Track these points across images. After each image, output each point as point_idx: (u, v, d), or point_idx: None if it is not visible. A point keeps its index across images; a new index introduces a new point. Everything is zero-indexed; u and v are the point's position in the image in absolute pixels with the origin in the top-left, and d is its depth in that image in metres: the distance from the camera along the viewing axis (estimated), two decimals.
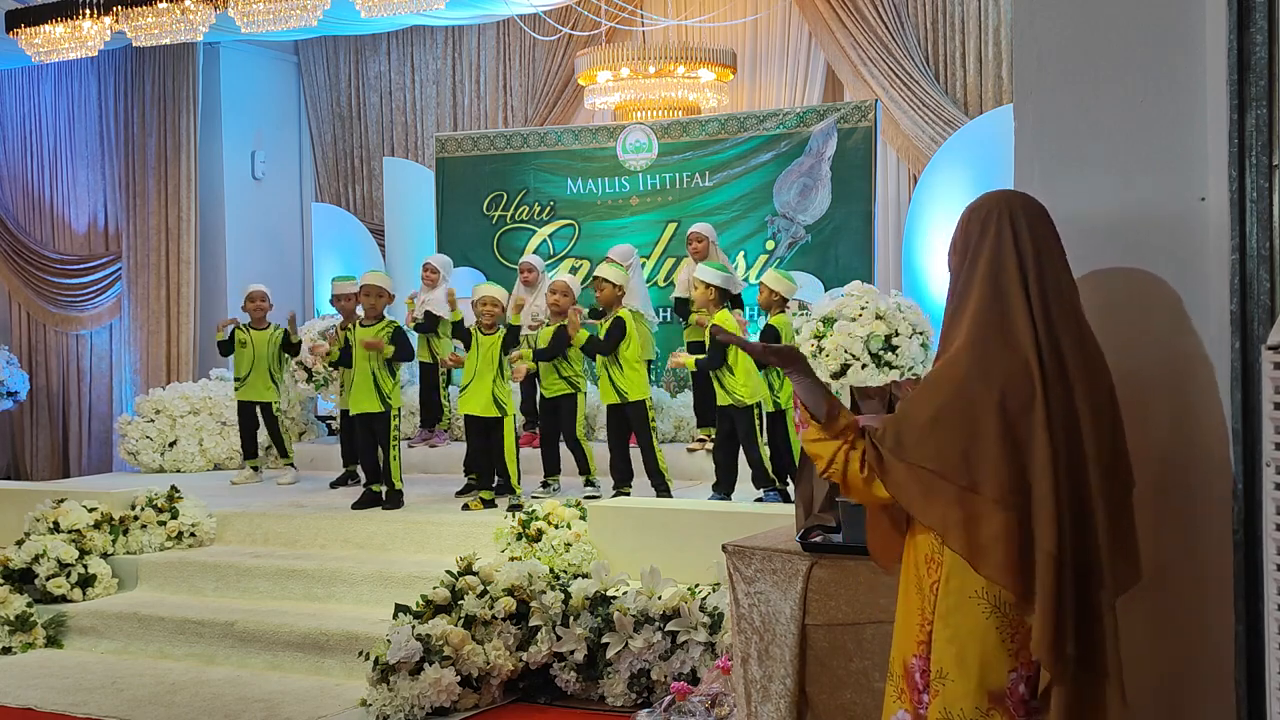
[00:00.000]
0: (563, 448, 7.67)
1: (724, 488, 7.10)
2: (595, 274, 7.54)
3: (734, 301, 8.30)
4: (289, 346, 8.95)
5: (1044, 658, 2.46)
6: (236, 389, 8.91)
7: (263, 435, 9.18)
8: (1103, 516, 2.54)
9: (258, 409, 8.92)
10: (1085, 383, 2.55)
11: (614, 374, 7.25)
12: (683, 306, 8.36)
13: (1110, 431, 2.59)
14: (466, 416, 7.47)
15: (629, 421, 7.30)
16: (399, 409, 7.63)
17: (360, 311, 7.80)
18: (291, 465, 9.00)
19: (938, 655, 2.53)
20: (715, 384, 7.06)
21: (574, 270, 9.64)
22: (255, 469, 9.03)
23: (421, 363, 9.02)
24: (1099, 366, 2.61)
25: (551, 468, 7.68)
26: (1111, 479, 2.57)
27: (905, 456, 2.54)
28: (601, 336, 7.30)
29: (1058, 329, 2.54)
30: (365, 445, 7.66)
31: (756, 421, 7.01)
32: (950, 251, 2.70)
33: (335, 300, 8.47)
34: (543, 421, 7.76)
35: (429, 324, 8.92)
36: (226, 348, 8.86)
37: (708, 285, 7.19)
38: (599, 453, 7.64)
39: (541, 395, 7.64)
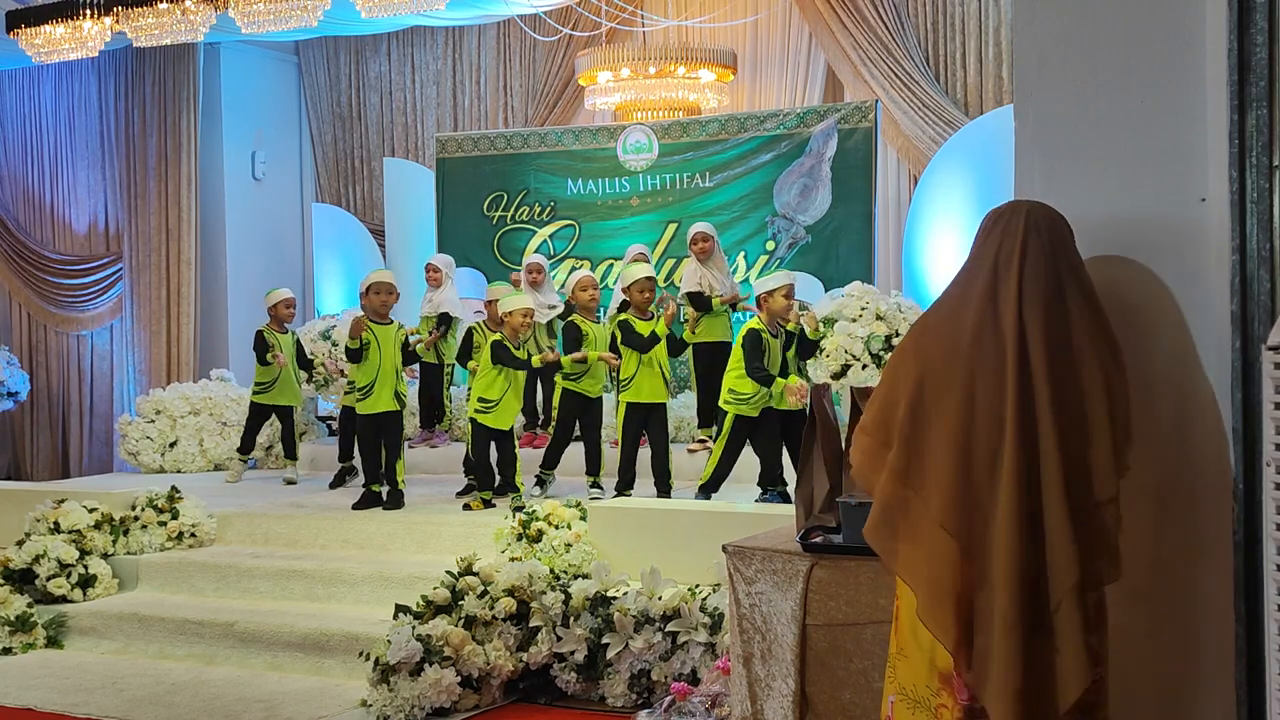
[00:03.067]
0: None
1: (773, 482, 7.04)
2: (649, 275, 7.34)
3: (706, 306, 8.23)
4: (304, 362, 8.95)
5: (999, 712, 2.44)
6: (258, 393, 8.83)
7: (262, 436, 9.18)
8: (1061, 524, 2.48)
9: (275, 412, 8.92)
10: (1056, 386, 2.52)
11: (665, 371, 7.21)
12: (702, 303, 8.23)
13: (1080, 440, 2.54)
14: (477, 425, 7.38)
15: (648, 423, 7.28)
16: (407, 410, 7.66)
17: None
18: (293, 465, 9.01)
19: (899, 630, 2.57)
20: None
21: (574, 270, 9.64)
22: (245, 462, 9.06)
23: (425, 363, 9.01)
24: (1081, 372, 2.58)
25: (552, 462, 7.63)
26: (1078, 491, 2.51)
27: (863, 427, 2.67)
28: (666, 337, 7.22)
29: (1031, 328, 2.54)
30: (372, 445, 7.63)
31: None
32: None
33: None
34: (567, 416, 7.57)
35: (443, 325, 8.91)
36: (264, 359, 8.80)
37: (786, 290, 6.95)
38: (606, 454, 7.65)
39: (567, 391, 7.51)
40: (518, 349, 7.31)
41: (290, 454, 9.00)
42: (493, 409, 7.30)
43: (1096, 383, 2.59)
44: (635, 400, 7.24)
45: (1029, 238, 2.64)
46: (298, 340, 8.98)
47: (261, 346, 8.73)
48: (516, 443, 7.48)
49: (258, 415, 8.95)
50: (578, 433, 7.64)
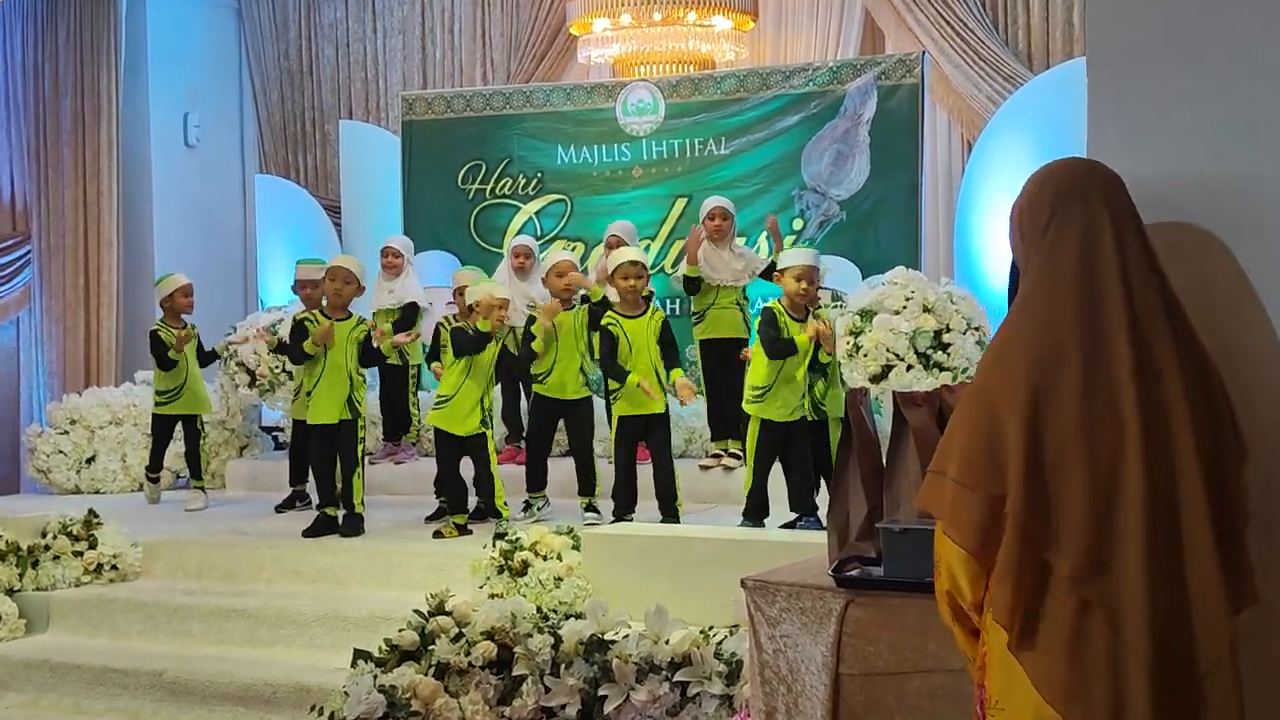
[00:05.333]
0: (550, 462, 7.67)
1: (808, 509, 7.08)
2: (634, 259, 7.41)
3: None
4: (202, 354, 8.98)
5: None
6: (161, 403, 8.94)
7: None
8: (1207, 547, 2.53)
9: (180, 423, 8.96)
10: (1184, 382, 2.56)
11: (663, 375, 7.27)
12: (692, 284, 8.27)
13: (1217, 457, 2.59)
14: (439, 433, 7.45)
15: (645, 436, 7.29)
16: (365, 420, 7.66)
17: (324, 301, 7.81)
18: (203, 490, 9.00)
19: (992, 680, 2.58)
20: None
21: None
22: (155, 481, 9.14)
23: (388, 365, 9.00)
24: (1203, 364, 2.62)
25: (537, 482, 7.64)
26: (1220, 518, 2.57)
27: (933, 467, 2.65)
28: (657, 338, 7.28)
29: (1148, 325, 2.56)
30: (323, 461, 7.65)
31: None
32: (1014, 234, 2.71)
33: (300, 287, 8.45)
34: (537, 425, 7.69)
35: (409, 318, 8.91)
36: (168, 359, 8.84)
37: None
38: (601, 469, 7.66)
39: (536, 395, 7.59)
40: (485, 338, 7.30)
41: (196, 474, 9.01)
42: (445, 404, 7.33)
43: (1220, 385, 2.62)
44: (628, 413, 7.27)
45: (1121, 219, 2.63)
46: (197, 336, 8.98)
47: (159, 346, 8.77)
48: (494, 456, 7.47)
49: (162, 429, 9.00)
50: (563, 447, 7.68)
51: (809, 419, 7.10)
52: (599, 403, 7.87)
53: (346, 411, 7.54)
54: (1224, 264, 2.91)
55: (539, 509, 7.54)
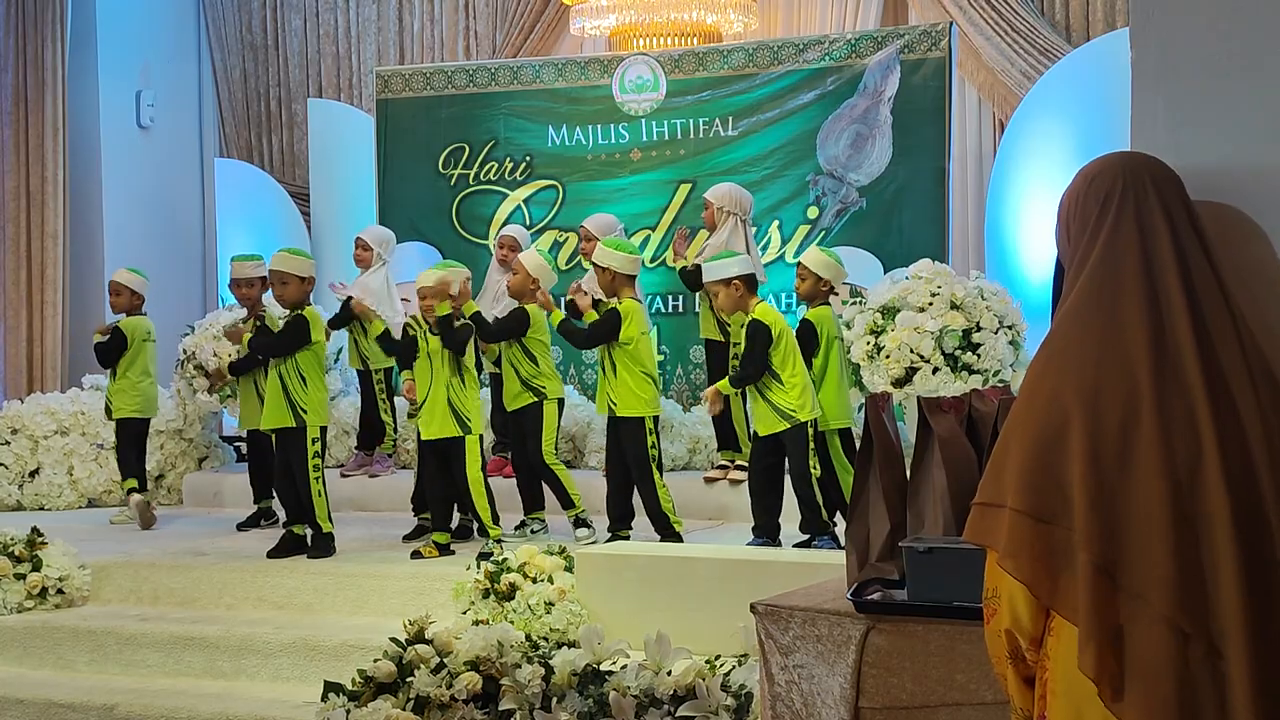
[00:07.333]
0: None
1: (767, 531, 7.09)
2: (595, 261, 7.55)
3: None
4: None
5: None
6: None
7: (151, 462, 9.22)
8: None
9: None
10: (1256, 396, 2.57)
11: (608, 378, 7.31)
12: (692, 278, 8.31)
13: None
14: (421, 441, 7.51)
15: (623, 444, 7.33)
16: (321, 426, 7.65)
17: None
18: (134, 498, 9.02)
19: (1057, 711, 2.57)
20: (757, 400, 7.02)
21: (557, 245, 9.65)
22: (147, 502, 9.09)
23: (358, 370, 9.03)
24: (1269, 373, 2.63)
25: (533, 503, 7.70)
26: None
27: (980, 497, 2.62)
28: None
29: (1212, 331, 2.57)
30: (282, 473, 7.68)
31: (811, 444, 6.99)
32: (1060, 232, 2.71)
33: (234, 286, 8.47)
34: (513, 442, 7.85)
35: (345, 316, 8.89)
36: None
37: (729, 281, 7.10)
38: (594, 483, 7.67)
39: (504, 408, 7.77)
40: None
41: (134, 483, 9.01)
42: (418, 412, 7.46)
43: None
44: (600, 411, 7.57)
45: (1176, 215, 2.63)
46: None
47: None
48: (482, 465, 7.50)
49: (117, 431, 9.08)
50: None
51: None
52: (587, 408, 7.92)
53: (290, 418, 7.54)
54: (1262, 253, 2.92)
55: (535, 531, 7.59)
